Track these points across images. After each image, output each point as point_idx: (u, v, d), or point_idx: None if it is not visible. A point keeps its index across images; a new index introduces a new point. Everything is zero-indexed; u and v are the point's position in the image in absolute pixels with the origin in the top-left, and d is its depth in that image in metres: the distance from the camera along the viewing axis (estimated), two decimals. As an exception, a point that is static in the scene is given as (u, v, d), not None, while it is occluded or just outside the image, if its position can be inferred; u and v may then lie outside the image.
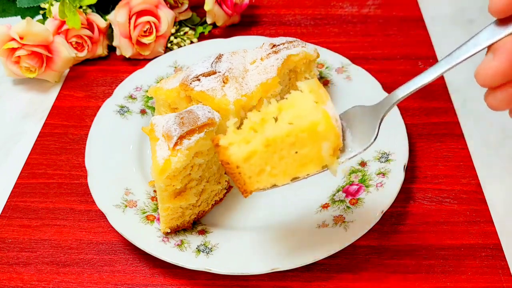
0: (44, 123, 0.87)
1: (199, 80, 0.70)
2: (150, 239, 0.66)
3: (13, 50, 0.89)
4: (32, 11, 0.98)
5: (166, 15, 0.95)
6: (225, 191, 0.73)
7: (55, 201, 0.75)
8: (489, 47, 0.50)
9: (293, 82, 0.78)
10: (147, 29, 0.94)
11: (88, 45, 0.95)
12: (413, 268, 0.66)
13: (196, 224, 0.69)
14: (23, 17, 0.98)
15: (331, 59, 0.89)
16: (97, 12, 0.98)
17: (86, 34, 0.94)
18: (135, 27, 0.93)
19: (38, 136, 0.85)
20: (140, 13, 0.93)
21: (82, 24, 0.92)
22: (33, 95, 0.93)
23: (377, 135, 0.55)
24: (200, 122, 0.63)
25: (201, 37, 1.03)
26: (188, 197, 0.65)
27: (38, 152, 0.82)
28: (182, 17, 1.02)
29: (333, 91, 0.86)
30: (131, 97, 0.85)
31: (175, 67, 0.90)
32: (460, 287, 0.64)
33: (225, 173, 0.72)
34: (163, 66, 0.91)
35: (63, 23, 0.92)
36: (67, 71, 0.97)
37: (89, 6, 0.96)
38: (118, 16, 0.92)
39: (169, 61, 0.91)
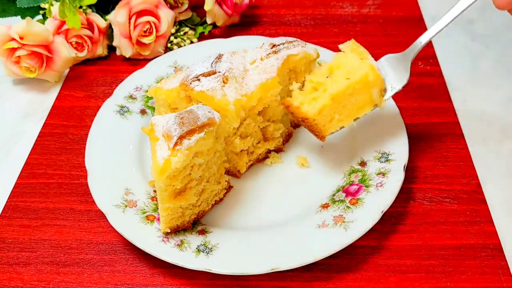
0: (44, 123, 0.87)
1: (199, 80, 0.70)
2: (150, 239, 0.66)
3: (13, 50, 0.89)
4: (32, 11, 0.98)
5: (166, 15, 0.95)
6: (225, 191, 0.73)
7: (55, 201, 0.75)
8: None
9: (293, 82, 0.78)
10: (147, 29, 0.94)
11: (88, 45, 0.95)
12: (413, 268, 0.66)
13: (196, 224, 0.69)
14: (23, 17, 0.98)
15: (331, 59, 0.89)
16: (97, 12, 0.98)
17: (86, 34, 0.94)
18: (135, 27, 0.93)
19: (38, 136, 0.85)
20: (140, 13, 0.93)
21: (82, 24, 0.92)
22: (33, 95, 0.93)
23: (410, 74, 0.70)
24: (200, 122, 0.63)
25: (201, 37, 1.03)
26: (188, 197, 0.65)
27: (38, 152, 0.82)
28: (182, 17, 1.02)
29: (333, 91, 0.86)
30: (131, 97, 0.85)
31: (175, 67, 0.90)
32: (460, 287, 0.64)
33: (224, 174, 0.72)
34: (163, 66, 0.91)
35: (63, 23, 0.92)
36: (67, 71, 0.97)
37: (89, 6, 0.96)
38: (118, 16, 0.92)
39: (169, 61, 0.91)
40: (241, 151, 0.74)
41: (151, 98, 0.84)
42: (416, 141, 0.80)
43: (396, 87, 0.71)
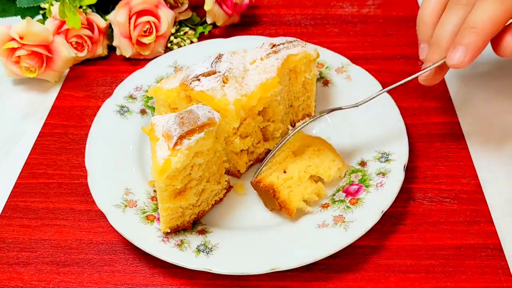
0: (44, 123, 0.87)
1: (199, 80, 0.70)
2: (150, 239, 0.66)
3: (13, 50, 0.89)
4: (32, 11, 0.98)
5: (166, 15, 0.95)
6: (225, 191, 0.73)
7: (55, 201, 0.75)
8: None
9: (293, 82, 0.78)
10: (147, 29, 0.94)
11: (88, 45, 0.95)
12: (413, 268, 0.66)
13: (196, 224, 0.69)
14: (23, 17, 0.98)
15: (331, 59, 0.89)
16: (97, 12, 0.98)
17: (86, 34, 0.94)
18: (135, 27, 0.93)
19: (38, 136, 0.85)
20: (140, 13, 0.93)
21: (82, 24, 0.92)
22: (33, 95, 0.93)
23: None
24: (200, 122, 0.63)
25: (201, 37, 1.03)
26: (188, 197, 0.65)
27: (38, 152, 0.82)
28: (182, 17, 1.02)
29: (333, 91, 0.86)
30: (131, 97, 0.85)
31: (175, 67, 0.90)
32: (460, 287, 0.64)
33: (225, 173, 0.72)
34: (163, 66, 0.91)
35: (63, 23, 0.92)
36: (67, 71, 0.97)
37: (89, 6, 0.96)
38: (118, 16, 0.92)
39: (169, 61, 0.91)
40: (241, 151, 0.74)
41: (151, 98, 0.84)
42: (416, 141, 0.80)
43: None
